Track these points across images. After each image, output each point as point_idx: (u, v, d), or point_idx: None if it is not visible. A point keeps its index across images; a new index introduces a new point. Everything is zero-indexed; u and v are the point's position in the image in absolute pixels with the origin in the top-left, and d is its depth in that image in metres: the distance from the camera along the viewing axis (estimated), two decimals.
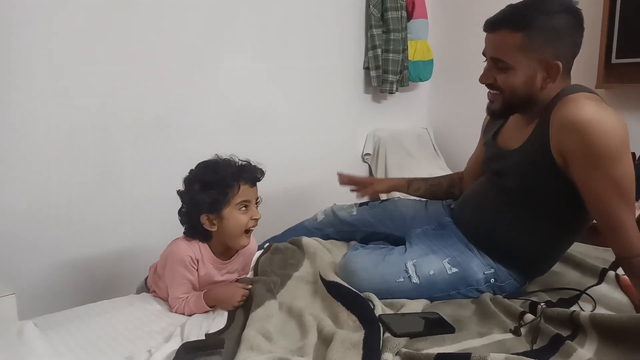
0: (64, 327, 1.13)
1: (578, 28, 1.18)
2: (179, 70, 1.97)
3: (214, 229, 1.22)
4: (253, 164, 1.27)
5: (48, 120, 1.69)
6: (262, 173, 1.27)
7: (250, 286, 1.22)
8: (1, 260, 1.61)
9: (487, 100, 1.30)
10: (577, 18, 1.18)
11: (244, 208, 1.23)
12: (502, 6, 1.23)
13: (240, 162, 1.26)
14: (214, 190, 1.19)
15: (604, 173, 1.09)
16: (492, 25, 1.21)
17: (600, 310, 1.18)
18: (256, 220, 1.25)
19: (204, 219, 1.21)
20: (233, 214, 1.21)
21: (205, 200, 1.19)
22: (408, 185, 1.61)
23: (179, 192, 1.25)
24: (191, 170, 1.26)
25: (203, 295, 1.21)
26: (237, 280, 1.30)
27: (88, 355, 1.02)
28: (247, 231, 1.26)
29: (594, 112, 1.09)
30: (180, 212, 1.26)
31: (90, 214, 1.80)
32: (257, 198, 1.28)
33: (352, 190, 1.60)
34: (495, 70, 1.22)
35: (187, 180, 1.24)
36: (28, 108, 1.65)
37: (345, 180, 1.62)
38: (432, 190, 1.59)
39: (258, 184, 1.28)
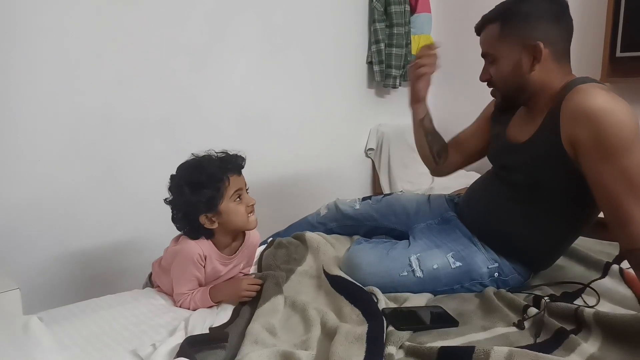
0: (69, 321, 1.14)
1: (557, 11, 1.21)
2: (184, 68, 1.97)
3: (215, 226, 1.22)
4: (233, 154, 1.26)
5: (53, 117, 1.69)
6: (244, 159, 1.27)
7: (260, 281, 1.23)
8: (6, 255, 1.63)
9: (490, 96, 1.36)
10: (553, 2, 1.21)
11: (238, 199, 1.23)
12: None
13: (220, 155, 1.25)
14: (206, 189, 1.18)
15: (614, 163, 1.08)
16: (478, 27, 1.30)
17: (605, 304, 1.18)
18: (252, 205, 1.26)
19: (203, 219, 1.21)
20: (230, 207, 1.21)
21: (201, 201, 1.18)
22: (425, 115, 1.55)
23: (168, 201, 1.23)
24: (173, 175, 1.23)
25: (209, 290, 1.22)
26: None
27: (93, 349, 1.03)
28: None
29: (606, 101, 1.09)
30: (175, 219, 1.24)
31: (94, 210, 1.81)
32: (246, 184, 1.27)
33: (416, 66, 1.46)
34: (489, 65, 1.29)
35: (175, 186, 1.22)
36: (33, 105, 1.65)
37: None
38: (432, 139, 1.54)
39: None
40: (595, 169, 1.11)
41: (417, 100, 1.54)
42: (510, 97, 1.28)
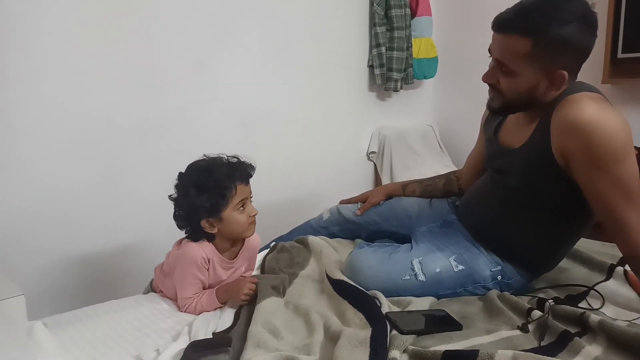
0: (73, 326, 1.14)
1: (590, 36, 1.13)
2: (184, 71, 1.98)
3: (215, 231, 1.23)
4: (243, 161, 1.25)
5: (54, 120, 1.70)
6: (253, 168, 1.26)
7: (257, 280, 1.22)
8: (9, 260, 1.63)
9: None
10: (590, 26, 1.12)
11: (241, 207, 1.23)
12: (506, 3, 1.19)
13: (230, 160, 1.24)
14: (211, 194, 1.18)
15: (607, 175, 1.08)
16: (502, 26, 1.16)
17: (609, 307, 1.18)
18: (254, 216, 1.25)
19: (204, 223, 1.21)
20: (232, 215, 1.21)
21: (205, 205, 1.19)
22: (403, 189, 1.61)
23: (172, 198, 1.24)
24: (181, 174, 1.23)
25: (215, 290, 1.22)
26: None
27: (97, 353, 1.03)
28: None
29: (595, 113, 1.07)
30: (176, 216, 1.25)
31: (96, 214, 1.82)
32: (251, 193, 1.27)
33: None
34: (499, 72, 1.18)
35: (182, 186, 1.22)
36: (34, 109, 1.66)
37: (344, 203, 1.66)
38: (428, 190, 1.58)
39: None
40: (588, 179, 1.10)
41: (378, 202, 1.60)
42: (512, 108, 1.23)
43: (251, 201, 1.27)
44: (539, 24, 1.10)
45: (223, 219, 1.21)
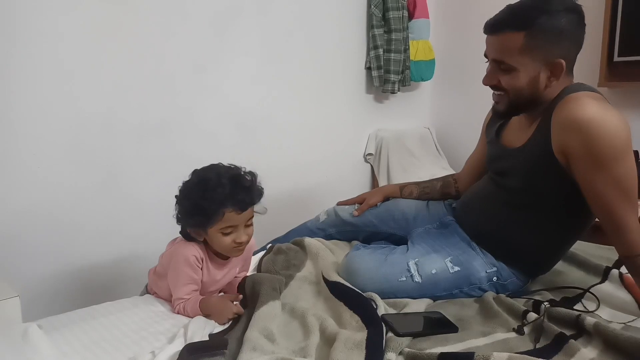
0: (68, 328, 1.13)
1: (580, 26, 1.18)
2: (183, 74, 1.98)
3: (201, 239, 1.22)
4: (252, 184, 1.19)
5: (53, 123, 1.70)
6: (260, 195, 1.21)
7: (239, 301, 1.19)
8: (5, 263, 1.62)
9: (490, 100, 1.31)
10: (578, 16, 1.17)
11: (229, 230, 1.19)
12: (504, 5, 1.22)
13: (238, 180, 1.17)
14: (198, 212, 1.16)
15: (606, 173, 1.09)
16: (493, 27, 1.20)
17: (604, 309, 1.18)
18: (239, 243, 1.20)
19: (189, 230, 1.22)
20: (216, 236, 1.19)
21: (189, 221, 1.19)
22: (400, 190, 1.62)
23: (177, 196, 1.23)
24: (193, 172, 1.21)
25: (200, 302, 1.20)
26: (238, 285, 1.29)
27: (93, 356, 1.03)
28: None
29: (595, 111, 1.09)
30: (176, 208, 1.24)
31: (95, 217, 1.81)
32: (251, 218, 1.21)
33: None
34: (499, 71, 1.21)
35: (182, 192, 1.20)
36: (33, 111, 1.66)
37: (342, 204, 1.66)
38: (426, 192, 1.59)
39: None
40: (588, 177, 1.11)
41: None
42: (518, 106, 1.24)
43: (250, 224, 1.22)
44: (529, 17, 1.16)
45: (208, 234, 1.20)
